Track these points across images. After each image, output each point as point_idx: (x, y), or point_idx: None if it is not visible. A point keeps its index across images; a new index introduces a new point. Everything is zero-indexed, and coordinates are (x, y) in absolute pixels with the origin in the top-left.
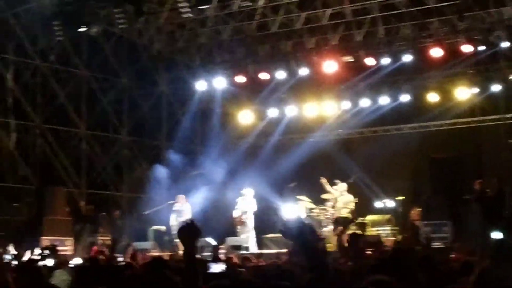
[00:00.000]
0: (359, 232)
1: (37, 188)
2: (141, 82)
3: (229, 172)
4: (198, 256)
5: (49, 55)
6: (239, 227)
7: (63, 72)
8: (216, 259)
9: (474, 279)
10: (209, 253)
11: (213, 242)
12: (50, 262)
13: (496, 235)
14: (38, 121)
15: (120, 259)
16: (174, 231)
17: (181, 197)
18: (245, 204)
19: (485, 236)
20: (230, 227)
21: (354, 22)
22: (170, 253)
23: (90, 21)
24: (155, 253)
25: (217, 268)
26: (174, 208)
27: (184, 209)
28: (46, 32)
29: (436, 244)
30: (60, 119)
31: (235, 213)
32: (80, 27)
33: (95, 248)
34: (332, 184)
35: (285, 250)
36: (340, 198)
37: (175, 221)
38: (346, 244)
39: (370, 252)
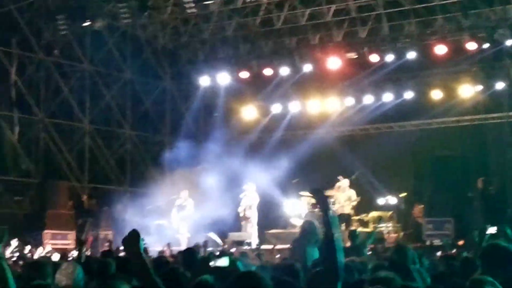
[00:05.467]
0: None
1: (40, 182)
2: (145, 77)
3: (232, 167)
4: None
5: (53, 49)
6: (243, 222)
7: (67, 66)
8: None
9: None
10: (212, 248)
11: (216, 237)
12: (55, 257)
13: (492, 229)
14: (41, 115)
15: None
16: (175, 226)
17: (184, 193)
18: (248, 199)
19: (483, 233)
20: (233, 223)
21: (359, 19)
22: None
23: (94, 15)
24: (157, 248)
25: (221, 262)
26: (176, 203)
27: (186, 204)
28: (50, 26)
29: (437, 242)
30: (63, 113)
31: (240, 209)
32: (84, 22)
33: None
34: (335, 180)
35: (287, 246)
36: (342, 194)
37: (176, 216)
38: (348, 241)
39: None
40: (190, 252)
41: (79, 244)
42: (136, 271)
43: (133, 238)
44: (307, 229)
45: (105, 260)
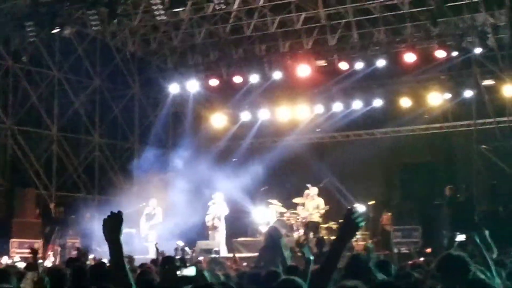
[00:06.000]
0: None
1: (7, 190)
2: (114, 84)
3: (201, 175)
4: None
5: (22, 55)
6: (210, 231)
7: (35, 73)
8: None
9: None
10: (179, 257)
11: (182, 245)
12: (21, 265)
13: (460, 237)
14: (9, 122)
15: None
16: (144, 234)
17: (153, 201)
18: (216, 208)
19: (452, 240)
20: (201, 231)
21: (328, 27)
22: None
23: (63, 22)
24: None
25: (188, 271)
26: (145, 212)
27: (155, 212)
28: (18, 33)
29: (403, 249)
30: (31, 121)
31: (207, 218)
32: (53, 28)
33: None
34: (304, 188)
35: (255, 254)
36: (311, 202)
37: (144, 224)
38: (315, 249)
39: None
40: (168, 261)
41: (32, 253)
42: (111, 254)
43: (116, 221)
44: (272, 235)
45: (58, 270)
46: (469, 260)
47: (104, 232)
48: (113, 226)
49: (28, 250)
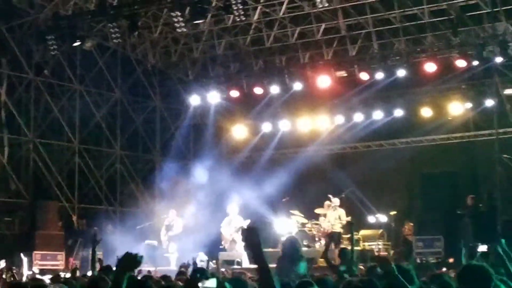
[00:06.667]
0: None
1: (30, 203)
2: (135, 96)
3: (222, 186)
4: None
5: (43, 69)
6: (232, 244)
7: (57, 86)
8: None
9: None
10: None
11: (205, 257)
12: (46, 278)
13: (482, 248)
14: (31, 135)
15: None
16: (165, 245)
17: (173, 212)
18: (234, 222)
19: (473, 250)
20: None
21: (348, 37)
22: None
23: (84, 35)
24: (148, 268)
25: (210, 283)
26: (165, 223)
27: (175, 223)
28: (40, 46)
29: (424, 260)
30: (53, 134)
31: (225, 232)
32: (74, 42)
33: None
34: (325, 198)
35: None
36: (332, 213)
37: (164, 236)
38: (337, 259)
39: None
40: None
41: (73, 270)
42: (255, 260)
43: (254, 230)
44: (289, 245)
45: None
46: (491, 270)
47: (245, 241)
48: (252, 234)
49: (51, 263)
